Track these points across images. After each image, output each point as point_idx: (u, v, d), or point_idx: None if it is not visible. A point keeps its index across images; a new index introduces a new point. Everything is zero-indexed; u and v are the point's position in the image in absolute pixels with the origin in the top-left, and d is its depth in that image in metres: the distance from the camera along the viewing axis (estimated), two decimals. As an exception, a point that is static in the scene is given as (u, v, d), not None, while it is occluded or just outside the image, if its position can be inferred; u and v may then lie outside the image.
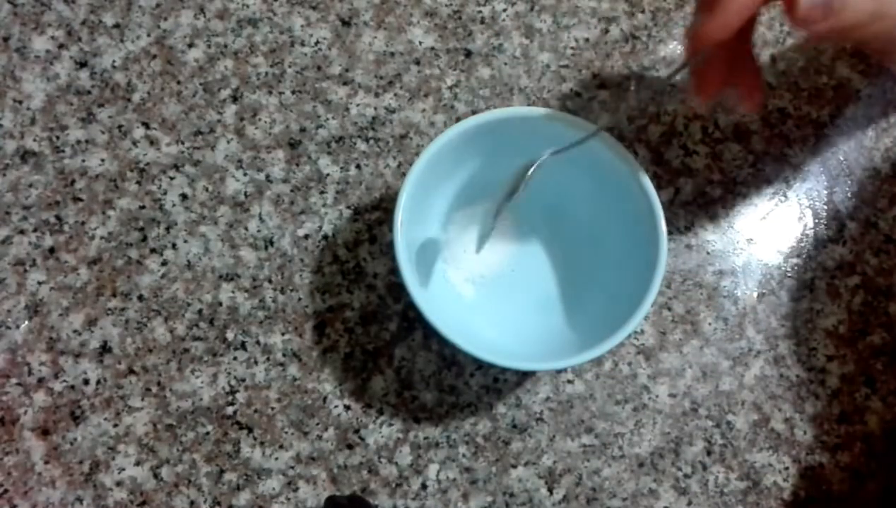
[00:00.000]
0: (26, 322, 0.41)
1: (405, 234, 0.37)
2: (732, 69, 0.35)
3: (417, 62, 0.45)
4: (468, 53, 0.45)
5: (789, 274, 0.44)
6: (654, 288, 0.36)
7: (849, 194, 0.45)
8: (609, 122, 0.45)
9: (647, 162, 0.45)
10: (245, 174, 0.43)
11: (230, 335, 0.42)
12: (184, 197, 0.43)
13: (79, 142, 0.43)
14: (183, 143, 0.43)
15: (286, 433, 0.41)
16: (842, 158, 0.45)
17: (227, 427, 0.41)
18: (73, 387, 0.41)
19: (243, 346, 0.42)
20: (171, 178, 0.43)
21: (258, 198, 0.43)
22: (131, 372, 0.41)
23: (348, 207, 0.43)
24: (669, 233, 0.44)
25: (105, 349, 0.41)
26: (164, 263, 0.42)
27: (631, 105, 0.45)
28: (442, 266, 0.41)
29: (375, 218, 0.43)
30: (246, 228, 0.43)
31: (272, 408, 0.41)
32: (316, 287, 0.42)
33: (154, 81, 0.44)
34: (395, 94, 0.45)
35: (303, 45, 0.45)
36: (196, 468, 0.40)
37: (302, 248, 0.43)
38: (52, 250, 0.42)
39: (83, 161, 0.43)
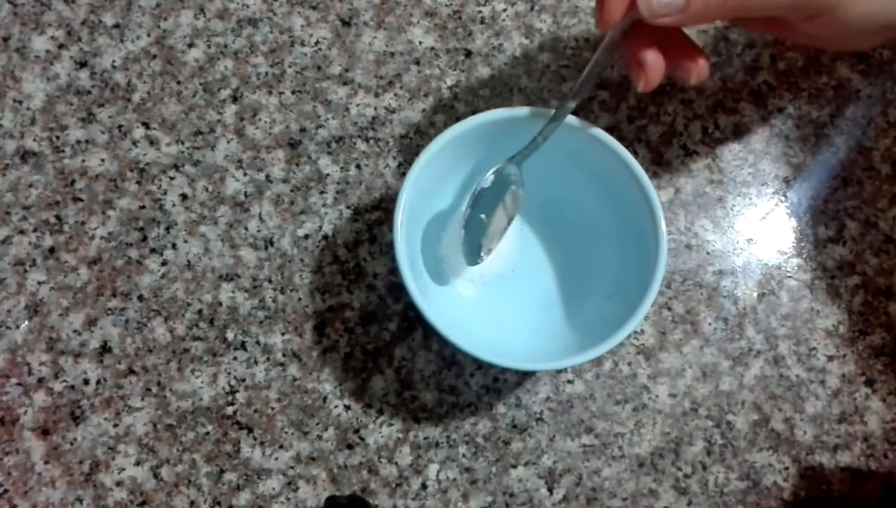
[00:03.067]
0: (26, 322, 0.41)
1: (405, 234, 0.37)
2: (668, 52, 0.36)
3: (417, 62, 0.45)
4: (468, 53, 0.45)
5: (789, 274, 0.44)
6: (654, 289, 0.36)
7: (849, 194, 0.45)
8: (609, 122, 0.45)
9: (647, 162, 0.45)
10: (245, 174, 0.43)
11: (230, 335, 0.42)
12: (184, 197, 0.43)
13: (79, 142, 0.43)
14: (183, 143, 0.43)
15: (286, 433, 0.41)
16: (842, 158, 0.45)
17: (227, 428, 0.41)
18: (73, 387, 0.41)
19: (243, 346, 0.42)
20: (171, 178, 0.43)
21: (258, 198, 0.43)
22: (131, 372, 0.41)
23: (348, 207, 0.43)
24: (669, 233, 0.44)
25: (105, 349, 0.41)
26: (164, 263, 0.42)
27: (630, 105, 0.45)
28: (442, 266, 0.41)
29: (375, 218, 0.43)
30: (246, 228, 0.43)
31: (272, 408, 0.41)
32: (316, 287, 0.42)
33: (154, 81, 0.44)
34: (395, 94, 0.45)
35: (303, 45, 0.45)
36: (196, 468, 0.40)
37: (302, 248, 0.43)
38: (52, 250, 0.42)
39: (83, 161, 0.43)
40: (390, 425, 0.41)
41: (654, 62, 0.35)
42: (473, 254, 0.38)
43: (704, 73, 0.37)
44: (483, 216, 0.38)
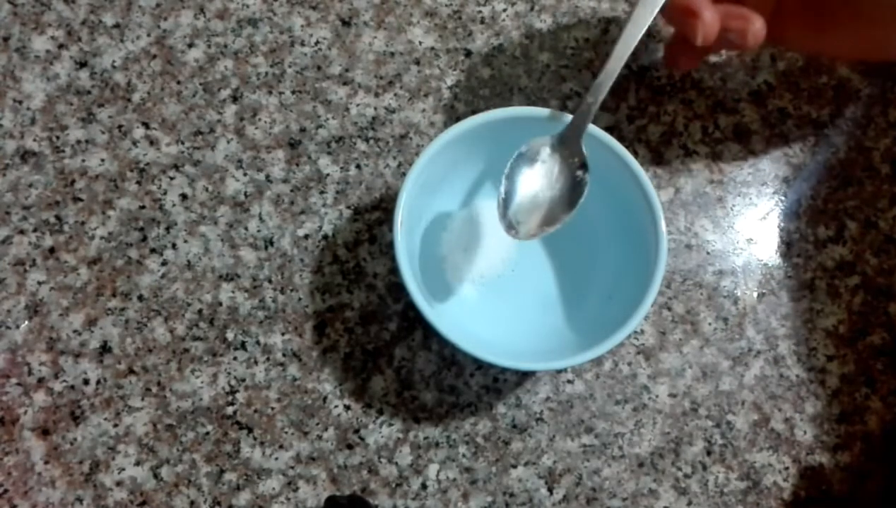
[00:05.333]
0: (26, 322, 0.41)
1: (405, 234, 0.37)
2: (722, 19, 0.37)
3: (417, 62, 0.45)
4: (468, 53, 0.45)
5: (789, 274, 0.44)
6: (654, 288, 0.36)
7: (849, 194, 0.45)
8: (609, 122, 0.45)
9: (647, 162, 0.45)
10: (245, 174, 0.43)
11: (230, 335, 0.42)
12: (184, 197, 0.43)
13: (79, 142, 0.43)
14: (183, 143, 0.43)
15: (286, 433, 0.41)
16: (842, 158, 0.45)
17: (227, 428, 0.41)
18: (73, 387, 0.41)
19: (243, 346, 0.42)
20: (171, 178, 0.43)
21: (258, 198, 0.43)
22: (131, 372, 0.41)
23: (348, 207, 0.43)
24: (669, 233, 0.44)
25: (105, 349, 0.41)
26: (164, 263, 0.42)
27: (630, 105, 0.45)
28: (442, 266, 0.41)
29: (375, 218, 0.43)
30: (246, 228, 0.43)
31: (272, 408, 0.41)
32: (316, 287, 0.42)
33: (154, 81, 0.44)
34: (395, 94, 0.45)
35: (303, 45, 0.45)
36: (196, 468, 0.40)
37: (302, 248, 0.43)
38: (52, 250, 0.42)
39: (83, 161, 0.43)
40: (390, 425, 0.41)
41: (710, 18, 0.36)
42: (505, 223, 0.36)
43: (761, 35, 0.36)
44: (506, 183, 0.36)
